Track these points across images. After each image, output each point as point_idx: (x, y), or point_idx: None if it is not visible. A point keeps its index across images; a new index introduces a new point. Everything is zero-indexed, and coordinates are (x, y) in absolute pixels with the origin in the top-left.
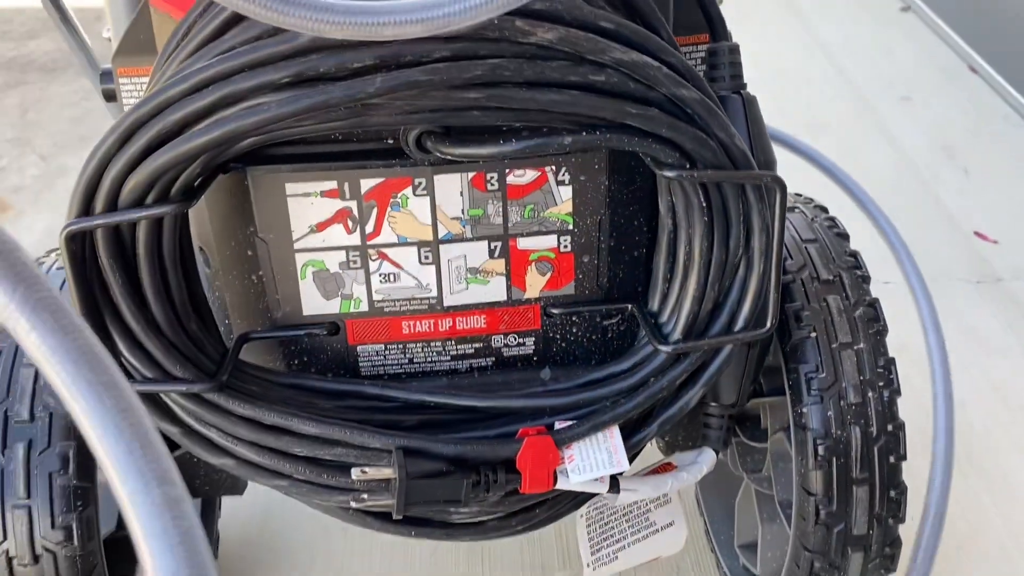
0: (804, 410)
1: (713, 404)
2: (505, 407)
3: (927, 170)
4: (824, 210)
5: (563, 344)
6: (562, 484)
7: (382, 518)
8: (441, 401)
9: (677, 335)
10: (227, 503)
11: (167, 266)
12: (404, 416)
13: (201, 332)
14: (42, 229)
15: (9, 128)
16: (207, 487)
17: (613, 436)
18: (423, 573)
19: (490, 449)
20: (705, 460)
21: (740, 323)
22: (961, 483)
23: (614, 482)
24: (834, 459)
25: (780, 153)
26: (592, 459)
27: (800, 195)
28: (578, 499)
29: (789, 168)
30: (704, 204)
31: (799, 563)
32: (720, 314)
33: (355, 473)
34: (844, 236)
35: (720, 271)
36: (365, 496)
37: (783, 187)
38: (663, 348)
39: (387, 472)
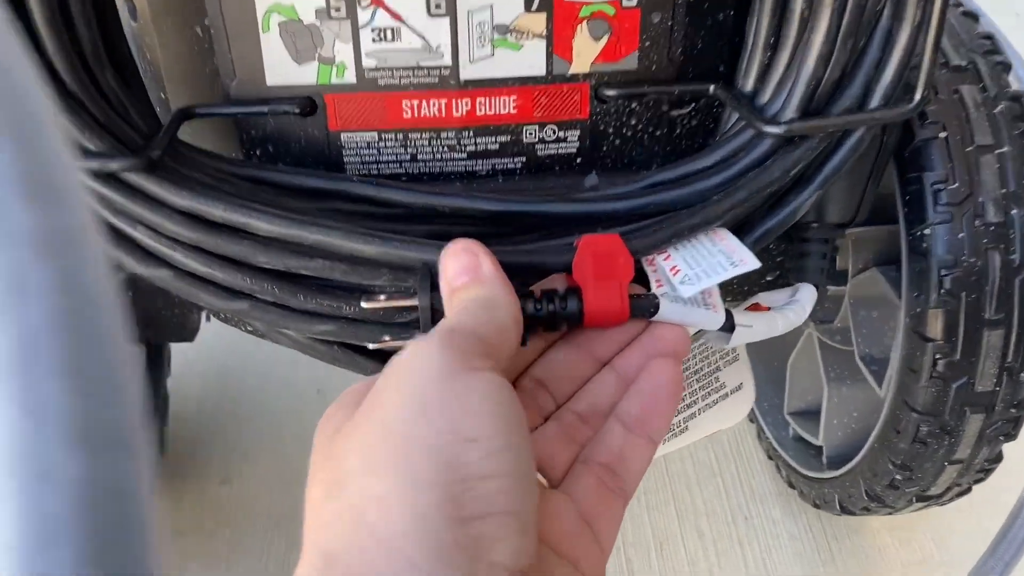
0: (927, 231)
1: (815, 224)
2: (545, 212)
3: None
4: None
5: (616, 142)
6: (668, 310)
7: (381, 358)
8: (458, 204)
9: (791, 112)
10: (179, 360)
11: (73, 14)
12: (406, 225)
13: (123, 94)
14: None
15: None
16: (149, 329)
17: (724, 238)
18: None
19: (541, 258)
20: (806, 297)
21: (878, 98)
22: None
23: (728, 316)
24: (963, 295)
25: None
26: (705, 264)
27: None
28: None
29: None
30: None
31: (899, 427)
32: (850, 85)
33: (366, 301)
34: (972, 16)
35: (856, 23)
36: (387, 337)
37: None
38: (771, 130)
39: (407, 299)
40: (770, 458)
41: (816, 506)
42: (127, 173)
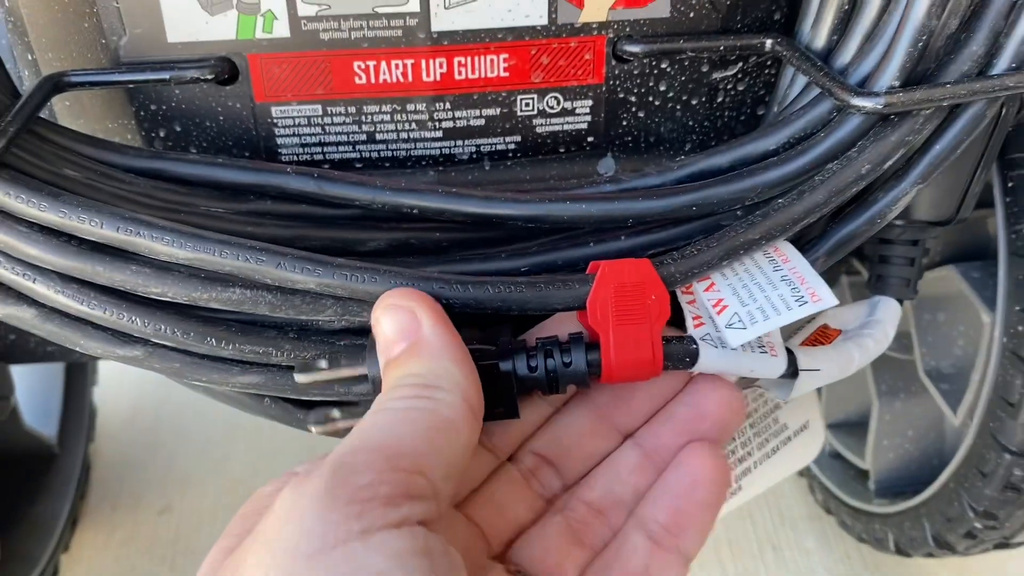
0: None
1: (900, 223)
2: (547, 216)
3: None
4: None
5: (640, 114)
6: (709, 360)
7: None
8: (431, 205)
9: (888, 80)
10: (108, 367)
11: None
12: (361, 232)
13: None
14: None
15: None
16: (49, 348)
17: (788, 259)
18: None
19: (542, 296)
20: (888, 316)
21: (1006, 60)
22: None
23: (791, 357)
24: None
25: None
26: (761, 300)
27: None
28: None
29: None
30: None
31: (985, 469)
32: (970, 42)
33: (300, 375)
34: None
35: None
36: (336, 413)
37: None
38: (863, 103)
39: (360, 368)
40: (801, 475)
41: (860, 540)
42: None
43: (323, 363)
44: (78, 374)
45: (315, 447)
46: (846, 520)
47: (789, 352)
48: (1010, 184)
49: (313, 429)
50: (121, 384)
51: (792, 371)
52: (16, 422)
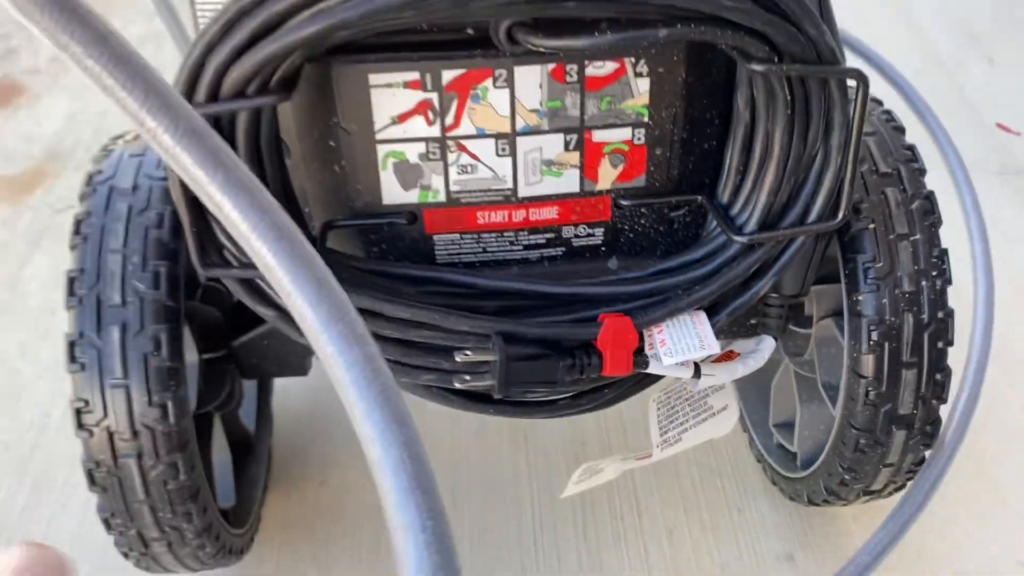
0: (860, 298)
1: (774, 295)
2: (582, 294)
3: (951, 59)
4: (879, 103)
5: (631, 235)
6: (653, 368)
7: (464, 396)
8: (519, 288)
9: (752, 226)
10: (279, 385)
11: (263, 155)
12: (482, 302)
13: (294, 219)
14: (62, 114)
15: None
16: (275, 368)
17: (702, 322)
18: (469, 446)
19: (576, 331)
20: (766, 347)
21: (814, 215)
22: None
23: (696, 368)
24: (886, 344)
25: None
26: (683, 343)
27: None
28: (644, 382)
29: None
30: (788, 98)
31: (844, 440)
32: (794, 206)
33: (459, 356)
34: (900, 129)
35: (797, 164)
36: (468, 377)
37: (866, 83)
38: (738, 238)
39: (487, 355)
40: (759, 461)
41: (791, 499)
42: None
43: (468, 352)
44: (265, 389)
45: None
46: (782, 486)
47: (696, 365)
48: (847, 272)
49: (456, 384)
50: (289, 398)
51: (697, 375)
52: (237, 418)
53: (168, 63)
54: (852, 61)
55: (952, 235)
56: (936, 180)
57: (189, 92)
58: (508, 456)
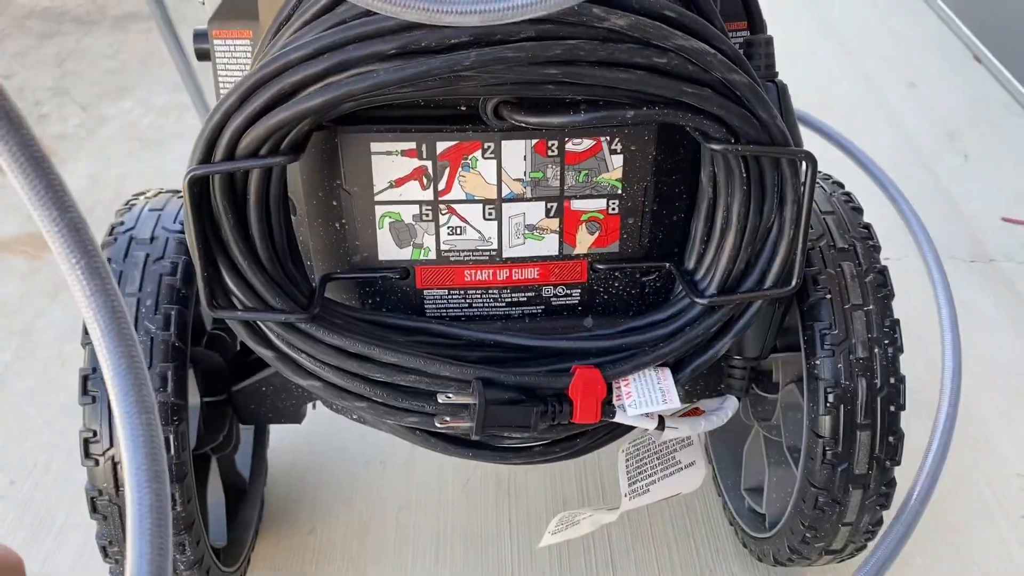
0: (817, 362)
1: (737, 357)
2: (557, 347)
3: (929, 152)
4: (840, 185)
5: (605, 296)
6: (619, 417)
7: (444, 439)
8: (501, 340)
9: (713, 290)
10: (275, 435)
11: (271, 210)
12: (466, 352)
13: (296, 270)
14: (86, 175)
15: (48, 77)
16: (271, 414)
17: (666, 377)
18: (455, 502)
19: (550, 380)
20: (729, 406)
21: (769, 281)
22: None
23: (660, 420)
24: (841, 406)
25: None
26: (647, 396)
27: (819, 172)
28: (614, 433)
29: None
30: (744, 175)
31: (805, 498)
32: (752, 273)
33: (441, 397)
34: (858, 210)
35: (754, 235)
36: (448, 419)
37: (814, 163)
38: (700, 301)
39: (467, 398)
40: (731, 524)
41: (759, 559)
42: (299, 323)
43: (450, 394)
44: (260, 437)
45: (397, 484)
46: (751, 547)
47: (660, 418)
48: (806, 339)
49: (437, 425)
50: (284, 449)
51: (661, 428)
52: (233, 463)
53: (188, 130)
54: (839, 156)
55: (928, 321)
56: (913, 266)
57: (209, 151)
58: (492, 512)
